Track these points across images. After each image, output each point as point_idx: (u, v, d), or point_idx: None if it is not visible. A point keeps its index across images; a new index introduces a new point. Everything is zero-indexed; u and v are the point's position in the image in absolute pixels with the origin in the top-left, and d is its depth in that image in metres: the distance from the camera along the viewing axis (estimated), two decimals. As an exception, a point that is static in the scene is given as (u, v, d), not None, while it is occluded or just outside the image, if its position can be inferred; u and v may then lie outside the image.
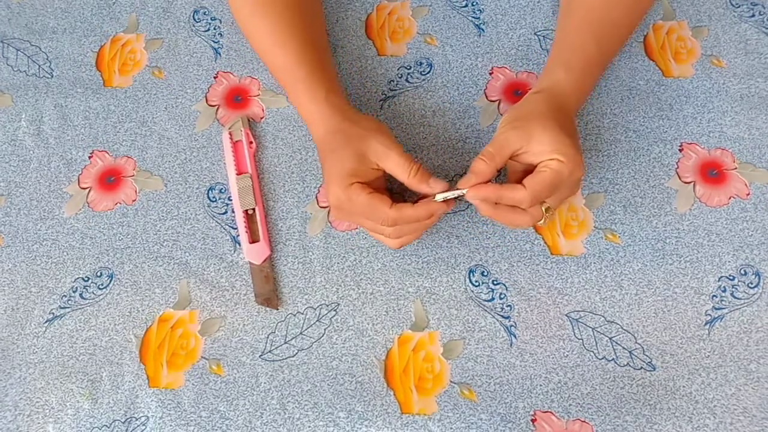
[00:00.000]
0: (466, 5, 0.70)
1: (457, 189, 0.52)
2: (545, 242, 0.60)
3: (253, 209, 0.62)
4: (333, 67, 0.62)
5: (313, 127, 0.59)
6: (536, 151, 0.52)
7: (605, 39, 0.60)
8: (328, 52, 0.64)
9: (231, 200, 0.63)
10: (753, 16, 0.67)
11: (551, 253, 0.59)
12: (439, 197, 0.52)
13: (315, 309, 0.59)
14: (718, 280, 0.58)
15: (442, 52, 0.68)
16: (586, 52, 0.58)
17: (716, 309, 0.57)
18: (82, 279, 0.61)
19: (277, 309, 0.59)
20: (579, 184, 0.56)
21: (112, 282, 0.61)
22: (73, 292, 0.61)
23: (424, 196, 0.54)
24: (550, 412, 0.54)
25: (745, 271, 0.58)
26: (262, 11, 0.61)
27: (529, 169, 0.53)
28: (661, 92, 0.65)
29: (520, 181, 0.52)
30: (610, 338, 0.56)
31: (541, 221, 0.54)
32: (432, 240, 0.61)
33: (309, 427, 0.55)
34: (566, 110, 0.55)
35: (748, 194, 0.60)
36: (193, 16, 0.72)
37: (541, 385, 0.55)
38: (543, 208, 0.53)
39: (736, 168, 0.61)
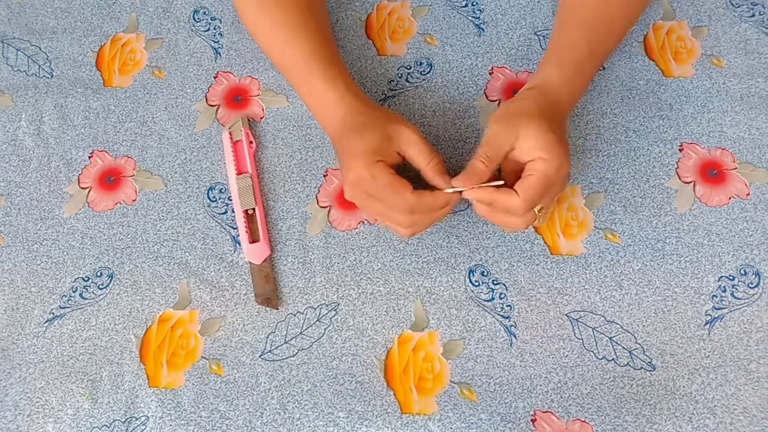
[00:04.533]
0: (466, 5, 0.70)
1: (457, 187, 0.53)
2: (545, 242, 0.60)
3: (253, 209, 0.62)
4: (343, 63, 0.62)
5: (330, 112, 0.58)
6: (523, 149, 0.52)
7: (597, 36, 0.60)
8: (337, 48, 0.64)
9: (231, 200, 0.63)
10: (753, 16, 0.67)
11: (551, 253, 0.59)
12: (448, 191, 0.53)
13: (315, 309, 0.59)
14: (718, 280, 0.58)
15: (442, 52, 0.68)
16: (577, 50, 0.59)
17: (716, 309, 0.57)
18: (82, 279, 0.61)
19: (277, 309, 0.59)
20: (568, 179, 0.55)
21: (112, 282, 0.61)
22: (73, 292, 0.61)
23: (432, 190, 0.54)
24: (550, 412, 0.54)
25: (745, 271, 0.58)
26: (272, 5, 0.61)
27: (521, 167, 0.53)
28: (661, 92, 0.65)
29: (514, 178, 0.52)
30: (610, 338, 0.56)
31: (537, 221, 0.55)
32: (432, 240, 0.61)
33: (309, 427, 0.55)
34: (557, 107, 0.55)
35: (748, 194, 0.60)
36: (193, 16, 0.72)
37: (541, 385, 0.55)
38: (536, 209, 0.53)
39: (736, 168, 0.61)
